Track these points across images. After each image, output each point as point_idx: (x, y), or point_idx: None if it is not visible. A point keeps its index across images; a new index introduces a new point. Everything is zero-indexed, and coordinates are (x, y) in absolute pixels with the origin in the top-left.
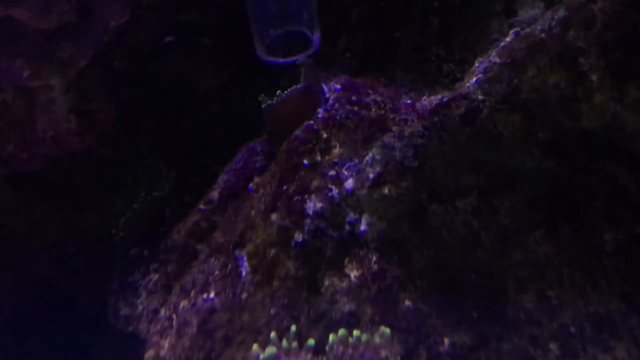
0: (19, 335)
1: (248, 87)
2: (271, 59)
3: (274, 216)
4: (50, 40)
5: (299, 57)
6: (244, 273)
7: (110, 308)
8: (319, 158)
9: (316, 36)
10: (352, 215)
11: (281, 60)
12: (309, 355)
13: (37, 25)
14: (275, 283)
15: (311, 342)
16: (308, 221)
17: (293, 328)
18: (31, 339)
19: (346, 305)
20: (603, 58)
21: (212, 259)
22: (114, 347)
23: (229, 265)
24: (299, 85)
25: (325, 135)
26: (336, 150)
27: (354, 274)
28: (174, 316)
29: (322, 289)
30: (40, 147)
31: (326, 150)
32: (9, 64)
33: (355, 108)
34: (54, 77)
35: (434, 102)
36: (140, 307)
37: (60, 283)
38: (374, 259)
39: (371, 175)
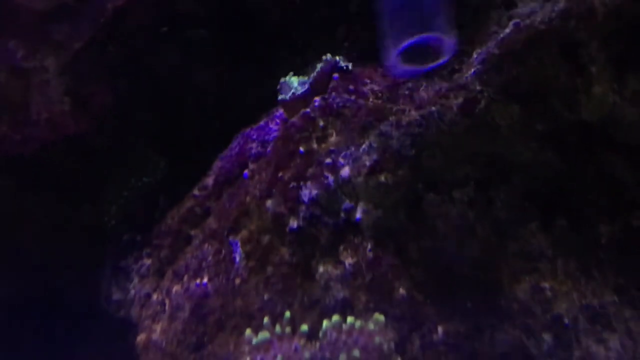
0: (9, 324)
1: (245, 78)
2: (407, 67)
3: (268, 202)
4: (46, 21)
5: (435, 64)
6: (237, 259)
7: (102, 293)
8: (315, 146)
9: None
10: (347, 203)
11: (419, 67)
12: (302, 341)
13: (33, 5)
14: (269, 269)
15: (305, 327)
16: (303, 208)
17: (287, 314)
18: (22, 327)
19: (340, 292)
20: (603, 50)
21: (206, 245)
22: (106, 335)
23: (223, 251)
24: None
25: (322, 123)
26: (333, 139)
27: (348, 261)
28: (167, 301)
29: (317, 276)
30: (34, 129)
31: (323, 138)
32: (3, 44)
33: (353, 97)
34: (48, 58)
35: (432, 92)
36: (133, 292)
37: (52, 270)
38: (369, 246)
39: (368, 163)
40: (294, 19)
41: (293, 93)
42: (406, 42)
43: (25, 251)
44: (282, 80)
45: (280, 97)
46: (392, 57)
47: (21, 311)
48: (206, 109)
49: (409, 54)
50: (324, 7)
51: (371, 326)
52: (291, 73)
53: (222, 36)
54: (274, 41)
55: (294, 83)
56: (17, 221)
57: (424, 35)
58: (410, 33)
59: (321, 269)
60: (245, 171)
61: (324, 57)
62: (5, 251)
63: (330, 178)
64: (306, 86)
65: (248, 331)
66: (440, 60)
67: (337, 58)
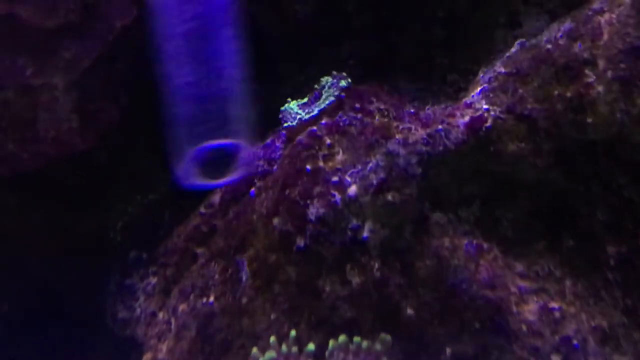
0: (13, 339)
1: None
2: (197, 182)
3: (275, 221)
4: (55, 38)
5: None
6: (244, 278)
7: (108, 311)
8: (321, 164)
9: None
10: (354, 222)
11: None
12: None
13: (42, 23)
14: (276, 288)
15: (311, 347)
16: (310, 226)
17: (293, 333)
18: (25, 342)
19: (347, 312)
20: (609, 69)
21: (212, 263)
22: (110, 351)
23: (229, 270)
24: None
25: (328, 142)
26: (339, 157)
27: (355, 280)
28: (173, 320)
29: (323, 295)
30: (41, 147)
31: (329, 156)
32: (12, 62)
33: (359, 115)
34: (57, 75)
35: (438, 111)
36: (139, 310)
37: (57, 287)
38: (376, 266)
39: (375, 182)
40: (297, 34)
41: (300, 119)
42: (196, 150)
43: (29, 267)
44: (283, 108)
45: (285, 125)
46: (183, 167)
47: (24, 326)
48: None
49: (202, 163)
50: (327, 23)
51: (378, 346)
52: (289, 99)
53: None
54: (276, 57)
55: (294, 109)
56: (21, 237)
57: (217, 142)
58: (201, 140)
59: (328, 288)
60: (252, 189)
61: (324, 81)
62: (9, 267)
63: (337, 196)
64: (315, 111)
65: (254, 350)
66: (238, 172)
67: (342, 74)
